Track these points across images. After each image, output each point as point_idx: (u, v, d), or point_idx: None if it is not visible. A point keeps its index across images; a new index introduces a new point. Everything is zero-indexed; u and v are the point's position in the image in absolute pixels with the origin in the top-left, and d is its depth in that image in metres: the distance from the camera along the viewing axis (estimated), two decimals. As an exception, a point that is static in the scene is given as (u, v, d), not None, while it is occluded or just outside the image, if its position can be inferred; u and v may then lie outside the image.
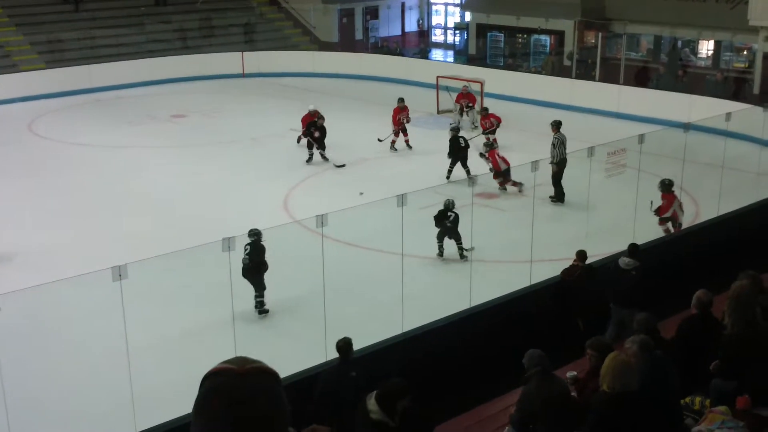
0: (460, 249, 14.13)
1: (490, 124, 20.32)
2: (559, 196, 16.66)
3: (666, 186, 14.26)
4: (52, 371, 10.84)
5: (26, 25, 30.64)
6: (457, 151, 18.13)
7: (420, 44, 38.15)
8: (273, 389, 2.28)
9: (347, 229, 13.57)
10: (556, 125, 16.97)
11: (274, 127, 23.57)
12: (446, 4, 39.00)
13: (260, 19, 35.14)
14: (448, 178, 17.99)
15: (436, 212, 14.00)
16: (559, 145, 16.60)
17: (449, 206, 14.01)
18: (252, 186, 18.33)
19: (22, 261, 14.19)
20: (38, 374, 10.63)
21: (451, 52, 37.18)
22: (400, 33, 39.21)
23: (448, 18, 39.01)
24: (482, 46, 34.12)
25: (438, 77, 24.31)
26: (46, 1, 31.93)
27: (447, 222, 14.02)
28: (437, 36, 39.39)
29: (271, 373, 2.27)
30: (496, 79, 25.86)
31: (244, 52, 31.59)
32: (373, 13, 38.39)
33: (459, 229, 13.97)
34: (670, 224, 14.44)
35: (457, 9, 37.97)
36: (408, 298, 11.14)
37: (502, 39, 33.50)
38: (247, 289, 11.99)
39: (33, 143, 22.59)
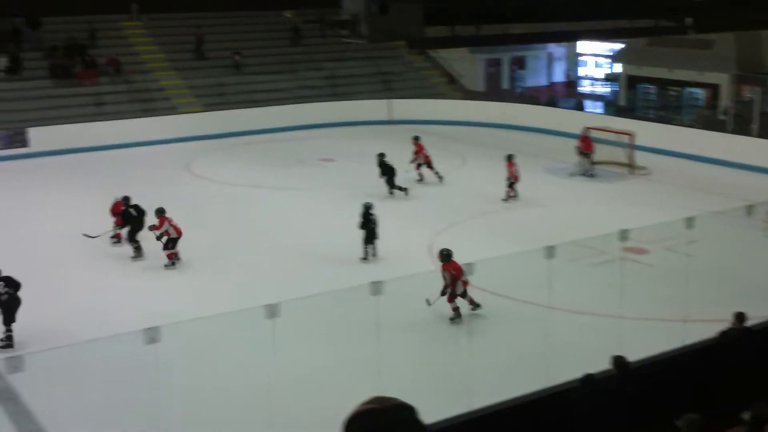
0: (375, 248, 16.15)
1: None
2: None
3: (444, 256, 13.24)
4: (206, 400, 11.12)
5: (186, 70, 32.31)
6: (388, 172, 20.89)
7: (565, 94, 37.85)
8: (417, 422, 2.40)
9: (493, 278, 13.47)
10: None
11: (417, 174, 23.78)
12: (595, 55, 38.58)
13: (408, 68, 35.74)
14: (391, 193, 20.87)
15: (361, 222, 16.02)
16: None
17: (370, 207, 16.02)
18: (397, 231, 18.46)
19: (176, 292, 14.76)
20: (193, 402, 10.92)
21: (599, 104, 36.71)
22: (546, 83, 39.06)
23: (597, 69, 38.57)
24: (632, 98, 33.53)
25: (586, 128, 24.01)
26: (204, 47, 33.52)
27: (372, 225, 15.85)
28: (584, 87, 38.98)
29: (410, 408, 2.37)
30: (646, 132, 25.30)
31: (392, 99, 32.16)
32: (520, 63, 38.43)
33: None
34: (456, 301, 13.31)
35: (607, 60, 37.51)
36: (554, 352, 10.92)
37: (654, 91, 32.82)
38: (393, 333, 12.00)
39: (189, 182, 23.63)
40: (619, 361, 9.17)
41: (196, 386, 11.35)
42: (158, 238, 16.08)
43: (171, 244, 16.13)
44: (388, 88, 33.57)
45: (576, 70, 39.60)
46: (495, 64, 37.70)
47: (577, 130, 24.23)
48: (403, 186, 21.05)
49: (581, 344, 12.65)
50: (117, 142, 27.52)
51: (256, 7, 35.97)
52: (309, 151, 27.16)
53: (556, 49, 39.45)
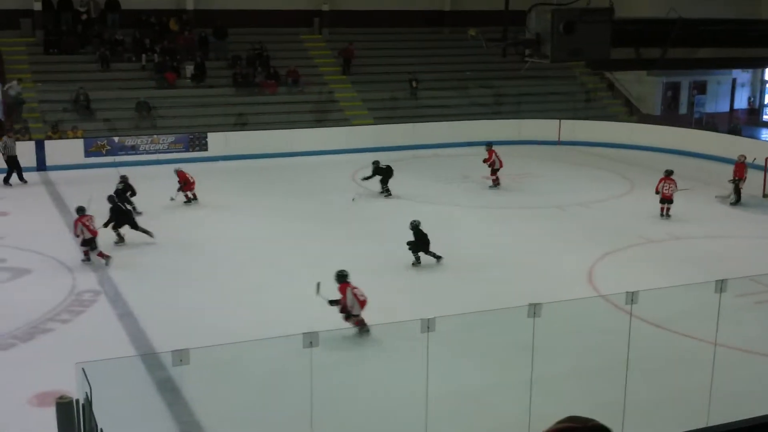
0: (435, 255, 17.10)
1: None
2: None
3: (340, 277, 13.27)
4: (358, 410, 11.28)
5: (360, 84, 33.10)
6: (384, 174, 23.23)
7: (746, 122, 36.09)
8: None
9: (658, 309, 13.01)
10: None
11: (582, 197, 23.36)
12: (783, 82, 36.67)
13: (581, 89, 35.15)
14: (383, 192, 23.27)
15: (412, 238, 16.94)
16: None
17: (418, 225, 16.96)
18: (555, 254, 18.20)
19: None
20: (344, 410, 11.12)
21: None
22: (728, 109, 37.39)
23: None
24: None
25: (741, 155, 22.87)
26: (381, 62, 34.25)
27: (421, 240, 16.81)
28: (768, 115, 37.12)
29: (609, 430, 2.35)
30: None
31: (561, 120, 31.73)
32: (700, 87, 36.95)
33: None
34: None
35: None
36: (716, 390, 10.43)
37: None
38: (549, 358, 11.84)
39: (353, 191, 24.12)
40: None
41: (348, 394, 11.57)
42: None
43: (86, 243, 16.74)
44: (558, 108, 33.12)
45: (761, 97, 37.73)
46: (673, 87, 36.46)
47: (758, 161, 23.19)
48: (391, 192, 23.33)
49: (745, 384, 12.03)
50: (290, 150, 28.52)
51: (437, 24, 36.54)
52: (474, 167, 27.16)
53: (741, 74, 37.71)
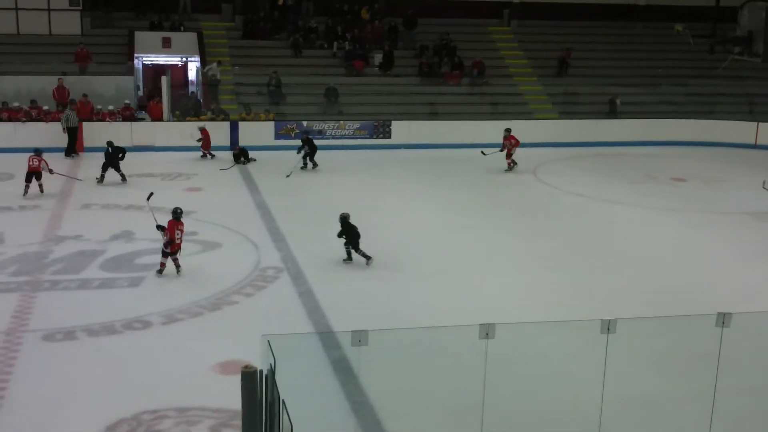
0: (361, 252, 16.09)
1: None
2: None
3: (176, 214, 15.01)
4: (530, 406, 11.15)
5: (546, 77, 32.61)
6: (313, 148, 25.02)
7: None
8: None
9: None
10: None
11: (780, 205, 22.06)
12: None
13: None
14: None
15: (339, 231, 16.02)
16: None
17: (347, 218, 16.00)
18: (744, 263, 17.28)
19: (510, 292, 14.99)
20: (517, 404, 11.01)
21: None
22: None
23: None
24: None
25: None
26: (572, 57, 33.57)
27: (350, 233, 15.93)
28: None
29: None
30: None
31: (760, 123, 30.02)
32: None
33: None
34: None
35: None
36: None
37: None
38: (734, 371, 11.27)
39: (534, 187, 23.86)
40: None
41: (521, 389, 11.45)
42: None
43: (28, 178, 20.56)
44: (756, 111, 31.30)
45: None
46: None
47: None
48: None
49: None
50: (471, 141, 28.45)
51: (629, 18, 35.60)
52: (661, 168, 26.23)
53: None
